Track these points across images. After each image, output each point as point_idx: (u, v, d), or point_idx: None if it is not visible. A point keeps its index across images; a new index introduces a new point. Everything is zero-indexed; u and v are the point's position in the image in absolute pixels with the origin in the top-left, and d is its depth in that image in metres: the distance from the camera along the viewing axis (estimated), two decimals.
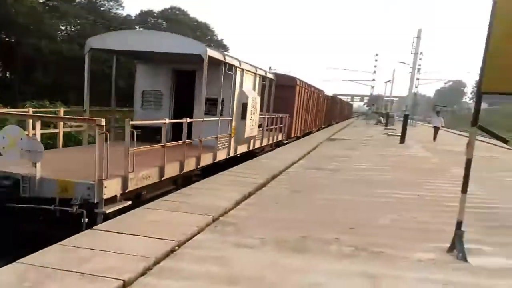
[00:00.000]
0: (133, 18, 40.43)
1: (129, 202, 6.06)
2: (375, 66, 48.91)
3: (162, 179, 7.11)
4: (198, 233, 4.86)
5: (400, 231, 5.24)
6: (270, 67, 60.58)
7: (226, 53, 12.16)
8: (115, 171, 5.82)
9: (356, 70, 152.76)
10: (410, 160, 13.26)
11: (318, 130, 28.57)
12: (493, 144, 19.25)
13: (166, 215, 5.44)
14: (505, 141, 4.98)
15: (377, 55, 48.20)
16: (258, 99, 12.53)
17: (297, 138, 20.33)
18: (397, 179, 9.33)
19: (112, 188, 5.73)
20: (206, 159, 9.03)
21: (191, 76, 10.38)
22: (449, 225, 5.14)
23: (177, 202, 6.17)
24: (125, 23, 36.47)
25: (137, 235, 4.54)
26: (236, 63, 10.31)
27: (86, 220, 5.23)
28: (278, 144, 16.00)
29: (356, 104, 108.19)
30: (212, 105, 9.76)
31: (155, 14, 45.11)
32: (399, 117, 56.14)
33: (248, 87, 11.57)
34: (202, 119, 8.71)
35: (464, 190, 4.52)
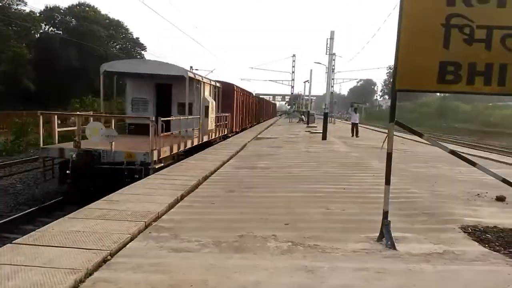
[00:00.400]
0: (38, 14, 37.38)
1: (162, 164, 10.44)
2: (293, 67, 50.52)
3: (171, 154, 11.52)
4: (131, 240, 4.65)
5: (332, 224, 5.45)
6: (191, 67, 60.24)
7: (193, 71, 16.41)
8: (147, 148, 9.90)
9: (276, 70, 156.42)
10: (333, 155, 13.88)
11: (252, 126, 33.54)
12: (406, 138, 20.92)
13: (93, 223, 5.14)
14: (420, 135, 5.39)
15: (294, 55, 49.76)
16: (214, 103, 17.83)
17: (237, 132, 25.25)
18: (324, 174, 9.71)
19: (155, 155, 10.11)
20: (188, 144, 13.48)
21: (168, 88, 15.12)
22: (375, 215, 5.46)
23: (104, 209, 5.88)
24: (28, 20, 33.75)
25: (63, 246, 4.25)
26: (200, 79, 15.61)
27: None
28: (206, 145, 16.10)
29: (278, 103, 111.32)
30: (182, 108, 13.92)
31: (61, 11, 42.12)
32: (319, 115, 58.73)
33: (207, 94, 16.89)
34: (183, 118, 13.10)
35: (387, 181, 4.77)
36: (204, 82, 15.99)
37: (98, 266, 3.84)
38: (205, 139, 15.97)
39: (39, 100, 34.58)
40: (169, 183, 8.03)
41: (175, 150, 11.87)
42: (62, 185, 10.10)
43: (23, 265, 3.72)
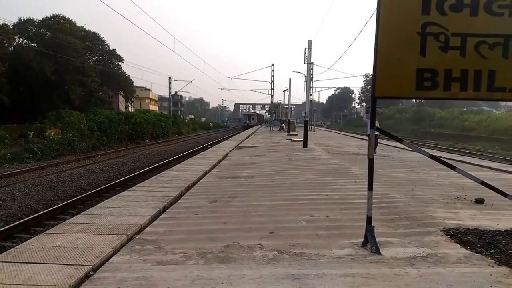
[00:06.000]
0: (11, 27, 36.67)
1: None
2: (272, 76, 50.91)
3: None
4: (114, 254, 4.58)
5: (316, 231, 5.45)
6: (170, 77, 60.01)
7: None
8: None
9: (255, 80, 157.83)
10: (314, 162, 13.94)
11: None
12: (384, 144, 21.25)
13: (74, 238, 5.05)
14: (400, 140, 5.48)
15: (273, 65, 50.15)
16: None
17: None
18: (306, 181, 9.74)
19: None
20: None
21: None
22: (358, 221, 5.55)
23: (84, 223, 5.79)
24: (1, 32, 33.02)
25: (44, 263, 4.15)
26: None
27: None
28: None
29: (258, 112, 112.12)
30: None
31: (36, 23, 41.39)
32: (299, 123, 59.31)
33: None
34: None
35: (370, 187, 4.83)
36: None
37: (80, 282, 3.76)
38: None
39: (14, 114, 33.77)
40: (151, 195, 7.95)
41: None
42: None
43: (2, 284, 3.63)
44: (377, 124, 15.22)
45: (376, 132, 6.19)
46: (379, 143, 15.21)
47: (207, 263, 4.32)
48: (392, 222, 5.86)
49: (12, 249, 4.74)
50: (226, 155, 17.15)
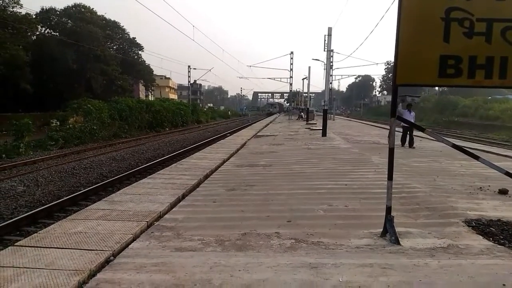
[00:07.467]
0: (33, 16, 37.32)
1: None
2: (291, 64, 50.28)
3: None
4: (134, 240, 4.64)
5: (334, 220, 5.42)
6: (189, 66, 60.20)
7: None
8: None
9: (274, 68, 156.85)
10: (333, 151, 13.84)
11: None
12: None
13: (95, 224, 5.15)
14: (422, 129, 5.37)
15: (292, 53, 49.44)
16: None
17: None
18: (325, 171, 9.68)
19: None
20: None
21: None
22: (377, 211, 5.48)
23: (105, 209, 5.91)
24: (24, 22, 33.61)
25: (65, 248, 4.25)
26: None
27: None
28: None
29: (277, 101, 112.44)
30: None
31: (57, 13, 42.03)
32: (318, 111, 58.79)
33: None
34: None
35: (390, 177, 4.74)
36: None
37: (101, 267, 3.84)
38: None
39: (38, 102, 34.52)
40: (170, 183, 8.03)
41: None
42: None
43: (25, 267, 3.73)
44: (413, 114, 14.90)
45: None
46: (401, 132, 14.79)
47: (225, 250, 4.34)
48: (412, 213, 5.77)
49: (35, 234, 4.86)
50: (245, 143, 17.16)
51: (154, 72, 58.73)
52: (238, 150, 14.66)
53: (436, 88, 62.32)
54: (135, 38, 51.67)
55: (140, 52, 52.29)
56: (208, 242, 4.59)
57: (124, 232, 4.84)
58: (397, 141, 14.13)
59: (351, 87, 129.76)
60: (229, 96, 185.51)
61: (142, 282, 3.51)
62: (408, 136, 15.14)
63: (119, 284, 3.47)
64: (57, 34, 40.07)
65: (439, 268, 3.77)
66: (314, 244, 4.50)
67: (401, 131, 14.96)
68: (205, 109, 70.19)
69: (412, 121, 14.08)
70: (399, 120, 6.54)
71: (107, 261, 3.98)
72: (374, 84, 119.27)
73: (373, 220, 5.28)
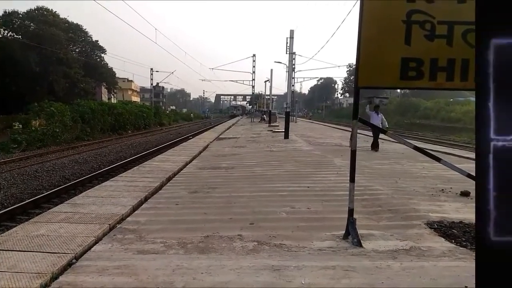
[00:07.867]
0: None
1: None
2: (253, 67, 50.32)
3: None
4: (96, 243, 4.56)
5: (297, 222, 5.37)
6: (151, 69, 59.12)
7: None
8: None
9: (236, 71, 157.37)
10: (296, 154, 13.87)
11: None
12: (369, 136, 21.27)
13: (57, 227, 5.03)
14: (383, 131, 5.42)
15: (254, 55, 49.49)
16: None
17: None
18: (287, 173, 9.66)
19: None
20: None
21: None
22: (340, 213, 5.46)
23: (67, 212, 5.77)
24: None
25: (28, 251, 4.16)
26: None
27: None
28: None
29: (239, 103, 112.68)
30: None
31: (20, 15, 40.78)
32: (280, 114, 59.17)
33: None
34: None
35: (352, 179, 4.74)
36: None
37: (63, 270, 3.78)
38: None
39: (0, 105, 33.04)
40: (133, 185, 7.89)
41: None
42: None
43: None
44: (381, 116, 14.91)
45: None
46: (363, 134, 15.01)
47: (187, 253, 4.25)
48: (374, 215, 5.80)
49: None
50: (207, 146, 16.99)
51: (117, 75, 57.76)
52: (200, 152, 14.48)
53: (398, 90, 64.12)
54: (97, 41, 50.65)
55: (102, 55, 51.30)
56: (170, 244, 4.49)
57: (87, 235, 4.75)
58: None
59: (313, 89, 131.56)
60: (191, 99, 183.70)
61: (104, 285, 3.43)
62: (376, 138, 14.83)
63: (81, 287, 3.40)
64: (20, 37, 38.73)
65: (401, 270, 3.76)
66: (276, 247, 4.44)
67: (371, 135, 14.95)
68: (167, 112, 69.18)
69: (380, 123, 14.25)
70: (361, 123, 6.57)
71: (69, 264, 3.91)
72: (336, 86, 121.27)
73: (335, 222, 5.25)
